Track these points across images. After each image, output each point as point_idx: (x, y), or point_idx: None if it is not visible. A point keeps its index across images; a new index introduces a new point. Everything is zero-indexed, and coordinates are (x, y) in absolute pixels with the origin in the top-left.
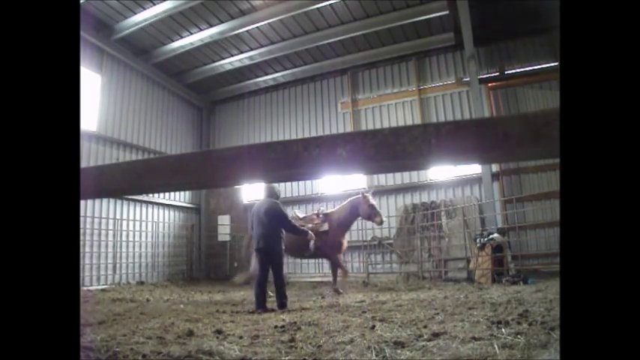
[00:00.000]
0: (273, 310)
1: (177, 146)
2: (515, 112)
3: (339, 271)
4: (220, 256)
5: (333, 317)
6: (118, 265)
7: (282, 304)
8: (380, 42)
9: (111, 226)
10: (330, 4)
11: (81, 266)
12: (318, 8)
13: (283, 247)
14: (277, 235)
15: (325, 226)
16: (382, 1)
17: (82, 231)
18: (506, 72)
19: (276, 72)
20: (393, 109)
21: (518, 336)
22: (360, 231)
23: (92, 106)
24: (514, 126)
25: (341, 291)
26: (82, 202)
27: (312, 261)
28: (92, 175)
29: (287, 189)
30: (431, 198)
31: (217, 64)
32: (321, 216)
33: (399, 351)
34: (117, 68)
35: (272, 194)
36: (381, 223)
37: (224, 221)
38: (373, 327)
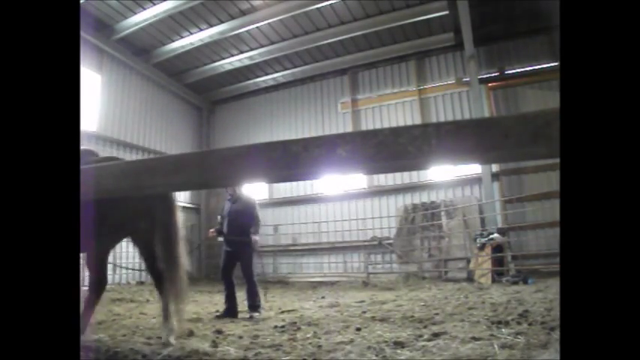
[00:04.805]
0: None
1: (177, 146)
2: (515, 112)
3: None
4: (220, 256)
5: (333, 317)
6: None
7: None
8: (380, 42)
9: None
10: (330, 4)
11: (81, 266)
12: (318, 8)
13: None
14: None
15: None
16: (382, 1)
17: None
18: (506, 72)
19: (276, 72)
20: (393, 109)
21: (518, 336)
22: (360, 231)
23: (92, 106)
24: (514, 126)
25: None
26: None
27: (311, 261)
28: (92, 175)
29: (287, 189)
30: (431, 198)
31: (217, 64)
32: None
33: (399, 351)
34: (117, 68)
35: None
36: None
37: None
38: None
